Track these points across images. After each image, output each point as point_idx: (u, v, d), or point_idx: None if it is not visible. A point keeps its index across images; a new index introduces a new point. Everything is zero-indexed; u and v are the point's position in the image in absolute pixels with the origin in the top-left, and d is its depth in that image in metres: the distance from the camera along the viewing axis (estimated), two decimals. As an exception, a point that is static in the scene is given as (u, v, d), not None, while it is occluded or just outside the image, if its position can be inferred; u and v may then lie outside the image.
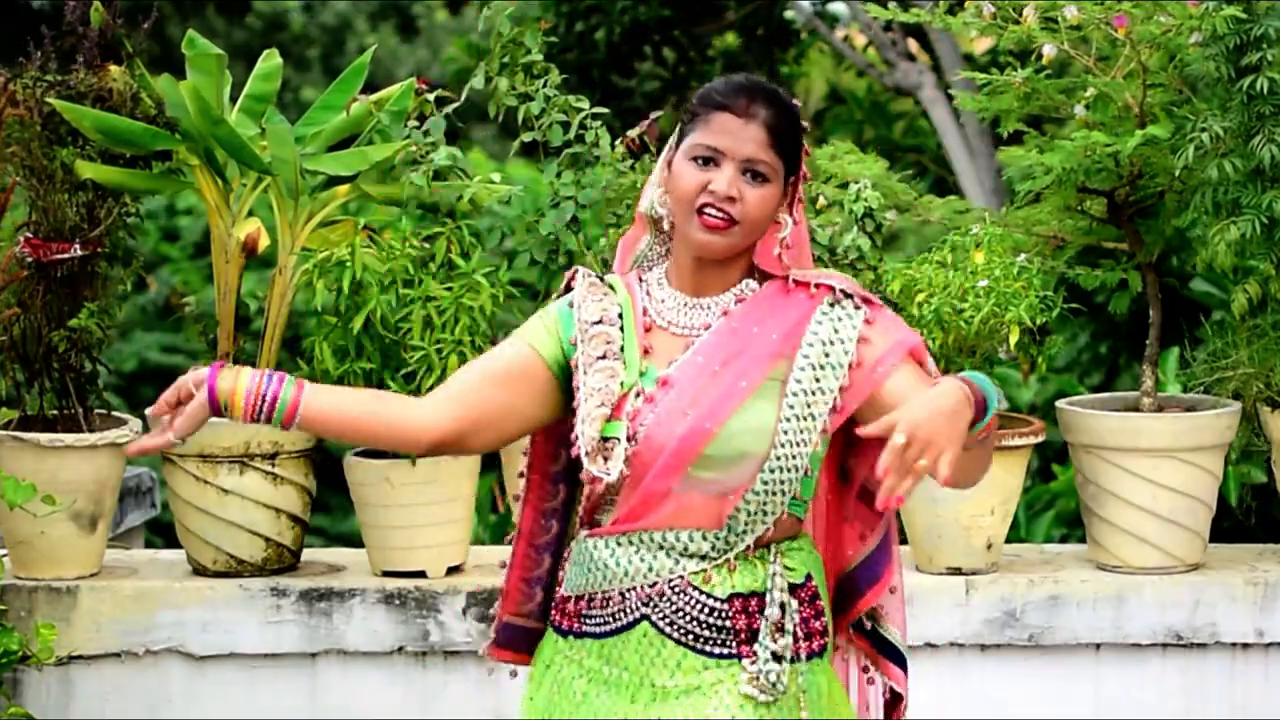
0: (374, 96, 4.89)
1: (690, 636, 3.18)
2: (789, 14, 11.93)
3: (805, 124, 3.24)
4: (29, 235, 4.68)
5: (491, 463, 5.20)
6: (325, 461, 4.96)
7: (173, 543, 4.98)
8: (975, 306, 4.65)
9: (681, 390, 3.18)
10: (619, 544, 3.21)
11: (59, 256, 4.67)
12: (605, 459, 3.18)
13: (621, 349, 3.23)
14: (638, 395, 3.19)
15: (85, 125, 4.65)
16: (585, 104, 4.88)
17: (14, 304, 4.71)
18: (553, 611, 3.33)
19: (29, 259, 4.67)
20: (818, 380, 3.16)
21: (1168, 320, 5.20)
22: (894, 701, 3.42)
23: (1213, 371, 4.91)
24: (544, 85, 4.87)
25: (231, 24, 16.47)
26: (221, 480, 4.69)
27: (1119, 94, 4.87)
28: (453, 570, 4.80)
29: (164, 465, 4.78)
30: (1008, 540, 4.88)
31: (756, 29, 12.01)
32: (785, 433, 3.15)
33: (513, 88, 4.87)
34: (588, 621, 3.26)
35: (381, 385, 4.65)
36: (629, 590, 3.20)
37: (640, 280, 3.31)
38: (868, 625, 3.40)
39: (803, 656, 3.20)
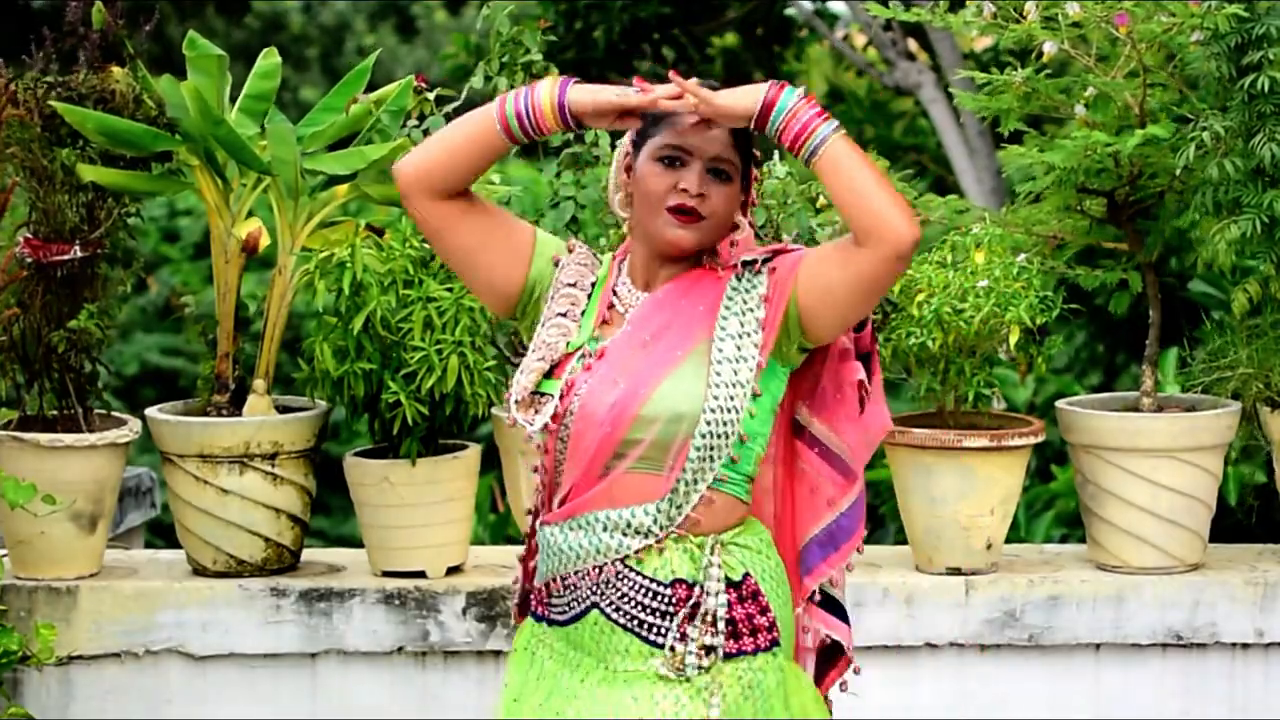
0: (373, 95, 4.88)
1: (635, 622, 3.33)
2: (789, 12, 11.93)
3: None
4: (29, 236, 4.68)
5: (491, 462, 5.20)
6: (325, 462, 4.95)
7: (173, 543, 4.98)
8: (975, 306, 4.65)
9: (613, 360, 3.34)
10: (571, 529, 3.35)
11: (59, 257, 4.67)
12: (535, 412, 3.35)
13: (582, 314, 3.41)
14: (581, 358, 3.36)
15: (87, 127, 4.64)
16: (585, 104, 4.88)
17: (14, 304, 4.71)
18: (531, 599, 3.49)
19: (29, 259, 4.67)
20: (739, 349, 3.32)
21: (1167, 320, 5.19)
22: (833, 651, 3.52)
23: (1212, 371, 4.91)
24: (543, 85, 4.87)
25: (231, 24, 16.46)
26: (221, 480, 4.69)
27: (1119, 94, 4.87)
28: (452, 570, 4.80)
29: (164, 465, 4.78)
30: (1007, 540, 4.88)
31: (756, 28, 12.01)
32: (715, 398, 3.29)
33: (512, 87, 4.87)
34: (552, 609, 3.41)
35: (381, 386, 4.65)
36: (581, 574, 3.35)
37: (620, 265, 3.47)
38: (817, 596, 3.51)
39: (739, 652, 3.31)
